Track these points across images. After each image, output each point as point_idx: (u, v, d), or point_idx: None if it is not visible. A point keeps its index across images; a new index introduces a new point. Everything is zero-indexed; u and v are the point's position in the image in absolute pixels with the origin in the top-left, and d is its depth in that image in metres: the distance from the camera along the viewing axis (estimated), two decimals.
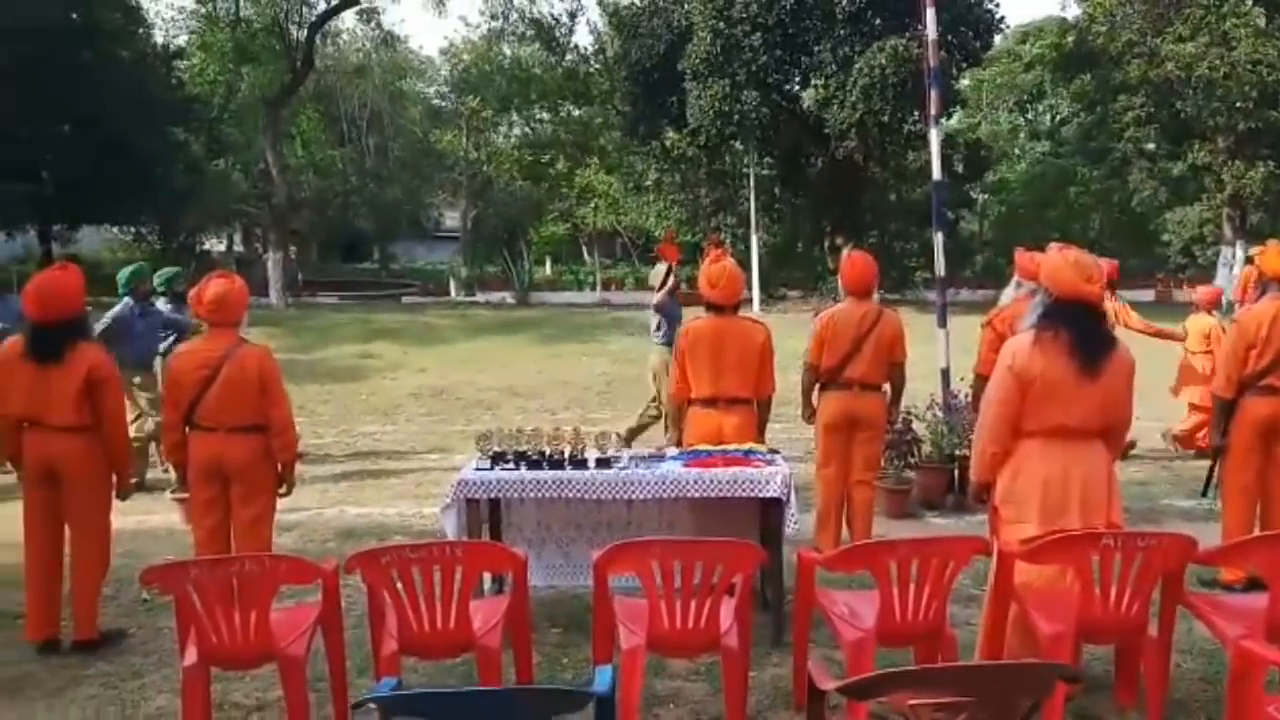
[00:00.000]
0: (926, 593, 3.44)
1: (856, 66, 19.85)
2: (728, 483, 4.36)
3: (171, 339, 7.75)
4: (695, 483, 4.37)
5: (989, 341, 5.62)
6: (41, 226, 29.17)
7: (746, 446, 4.76)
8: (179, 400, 4.61)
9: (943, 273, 7.79)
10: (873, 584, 3.49)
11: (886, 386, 5.73)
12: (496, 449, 4.67)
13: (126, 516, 4.95)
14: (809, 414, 5.83)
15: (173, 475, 6.23)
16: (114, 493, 4.79)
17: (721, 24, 20.60)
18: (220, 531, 4.67)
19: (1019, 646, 3.65)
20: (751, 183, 23.18)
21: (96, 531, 4.69)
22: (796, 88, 22.38)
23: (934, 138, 7.84)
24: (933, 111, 7.90)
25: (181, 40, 31.38)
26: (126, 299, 7.71)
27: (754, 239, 22.75)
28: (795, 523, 4.42)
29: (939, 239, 7.75)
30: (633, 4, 23.92)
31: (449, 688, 3.54)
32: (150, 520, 6.53)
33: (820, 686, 2.83)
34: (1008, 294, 5.98)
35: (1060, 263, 3.72)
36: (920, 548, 3.48)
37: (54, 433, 4.52)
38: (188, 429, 4.66)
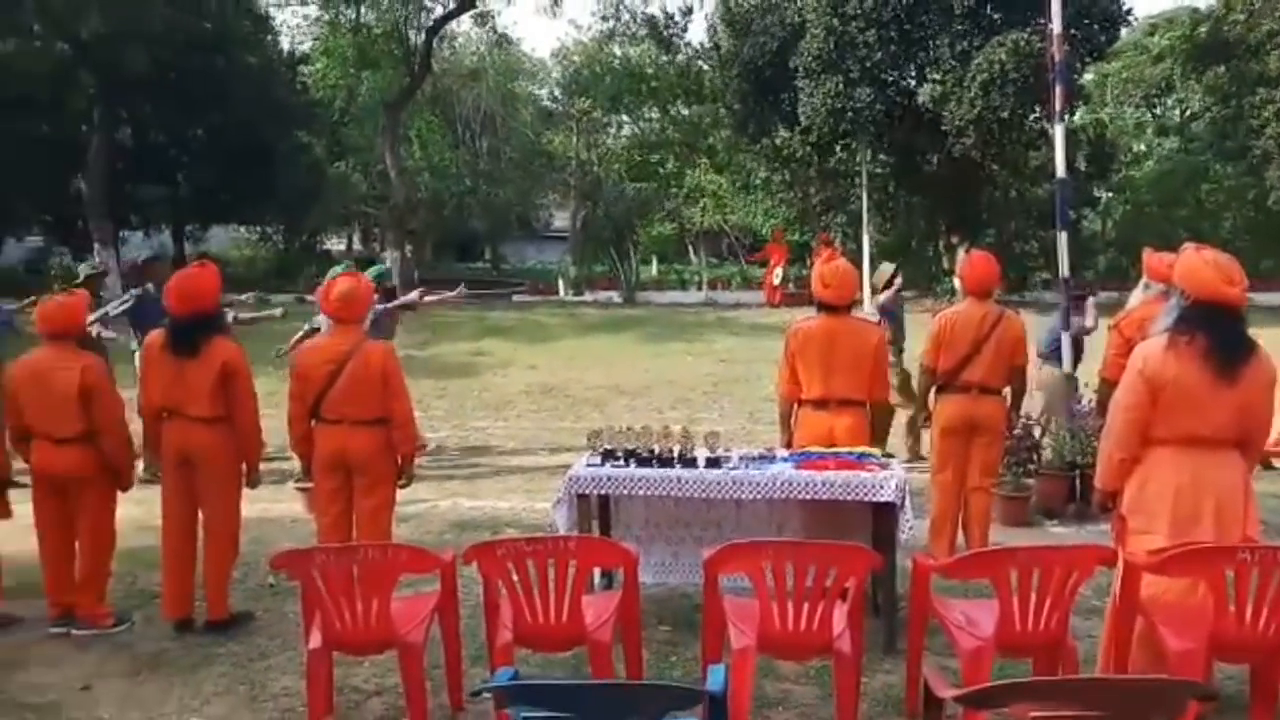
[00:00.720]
0: (1048, 603, 3.35)
1: (975, 62, 19.34)
2: (840, 486, 4.31)
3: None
4: (807, 485, 4.33)
5: (1116, 345, 5.42)
6: (175, 226, 30.67)
7: (859, 450, 4.69)
8: (305, 394, 4.79)
9: (1066, 273, 7.53)
10: (989, 592, 3.41)
11: (1006, 390, 5.58)
12: (607, 446, 4.72)
13: (252, 504, 5.16)
14: (925, 417, 5.71)
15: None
16: (244, 481, 5.01)
17: (835, 20, 20.33)
18: (343, 521, 4.84)
19: (1145, 662, 3.52)
20: (864, 180, 22.80)
21: (228, 517, 4.91)
22: (912, 84, 21.91)
23: (1058, 134, 7.59)
24: (1057, 107, 7.65)
25: (306, 46, 32.57)
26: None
27: (865, 238, 22.36)
28: (911, 528, 4.34)
29: (1062, 239, 7.50)
30: (745, 1, 23.80)
31: (565, 679, 3.59)
32: (274, 509, 6.80)
33: (939, 695, 2.77)
34: (1136, 296, 5.76)
35: (1198, 263, 3.57)
36: (1042, 556, 3.38)
37: (190, 422, 4.75)
38: (313, 422, 4.83)
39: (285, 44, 31.52)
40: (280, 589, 5.27)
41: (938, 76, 20.34)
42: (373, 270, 8.35)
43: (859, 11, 20.14)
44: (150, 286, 7.81)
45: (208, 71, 24.62)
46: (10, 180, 27.00)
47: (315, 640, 3.61)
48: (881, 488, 4.28)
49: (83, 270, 8.75)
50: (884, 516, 4.36)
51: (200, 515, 4.89)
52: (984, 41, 19.50)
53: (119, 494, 4.99)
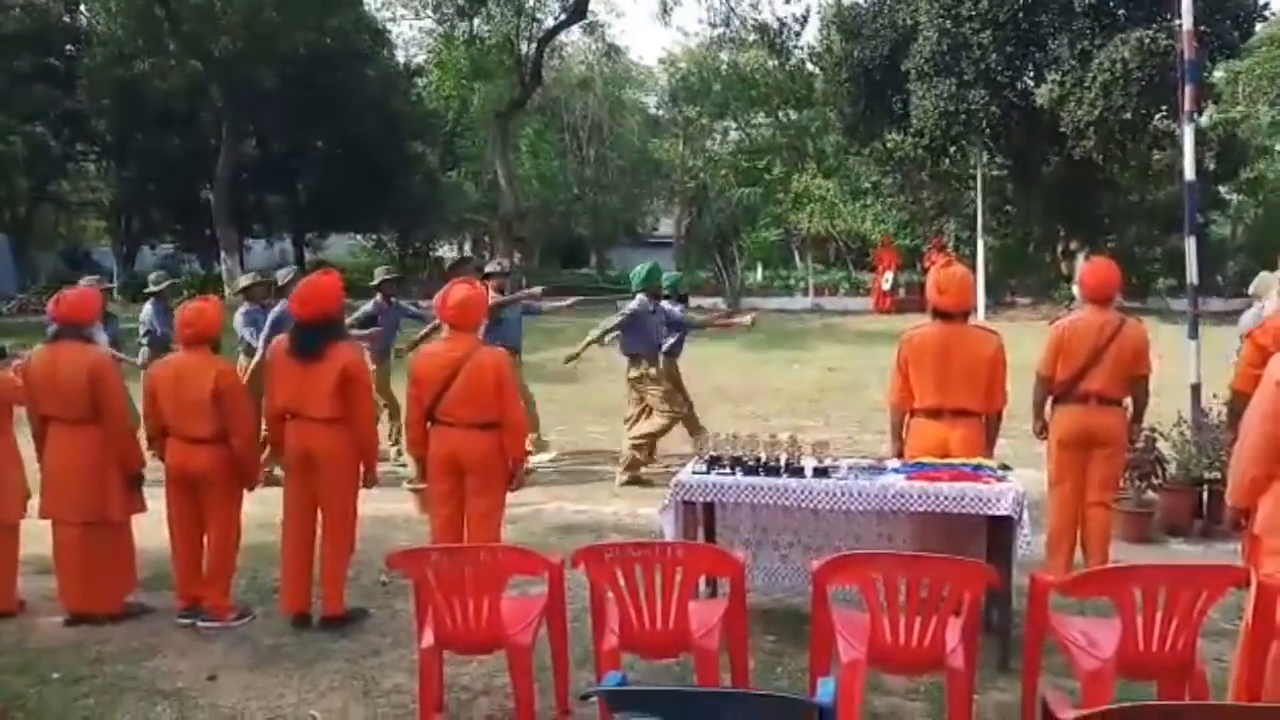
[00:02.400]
0: (1174, 624, 3.20)
1: (1096, 61, 18.70)
2: (954, 498, 4.20)
3: (673, 339, 8.26)
4: (919, 497, 4.24)
5: (1249, 356, 5.15)
6: (296, 234, 31.87)
7: (975, 461, 4.57)
8: (422, 397, 4.91)
9: (1195, 280, 7.21)
10: (1108, 611, 3.28)
11: (1128, 401, 5.36)
12: (713, 453, 4.71)
13: (365, 504, 5.30)
14: (1040, 428, 5.54)
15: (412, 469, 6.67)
16: (361, 481, 5.16)
17: (949, 22, 19.94)
18: (455, 522, 4.94)
19: None
20: (979, 184, 22.26)
21: (345, 516, 5.06)
22: (1029, 85, 21.32)
23: (1187, 135, 7.27)
24: (1186, 107, 7.32)
25: (421, 59, 33.50)
26: (641, 295, 7.98)
27: (980, 243, 21.82)
28: (1029, 543, 4.21)
29: (1191, 244, 7.18)
30: (856, 4, 23.52)
31: (672, 686, 3.60)
32: (386, 508, 6.98)
33: (1058, 716, 2.68)
34: (1271, 304, 5.47)
35: None
36: (1169, 575, 3.24)
37: (311, 424, 4.92)
38: (430, 424, 4.95)
39: (401, 57, 32.50)
40: (393, 587, 5.41)
41: (1056, 77, 19.74)
42: (668, 276, 8.50)
43: (974, 13, 19.70)
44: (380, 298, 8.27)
45: (328, 85, 25.54)
46: (147, 192, 28.54)
47: (427, 639, 3.69)
48: (998, 500, 4.17)
49: (242, 280, 9.14)
50: (1000, 530, 4.24)
51: (319, 514, 5.06)
52: (1106, 40, 18.85)
53: (245, 493, 5.21)
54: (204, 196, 26.85)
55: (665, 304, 8.17)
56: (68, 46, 27.93)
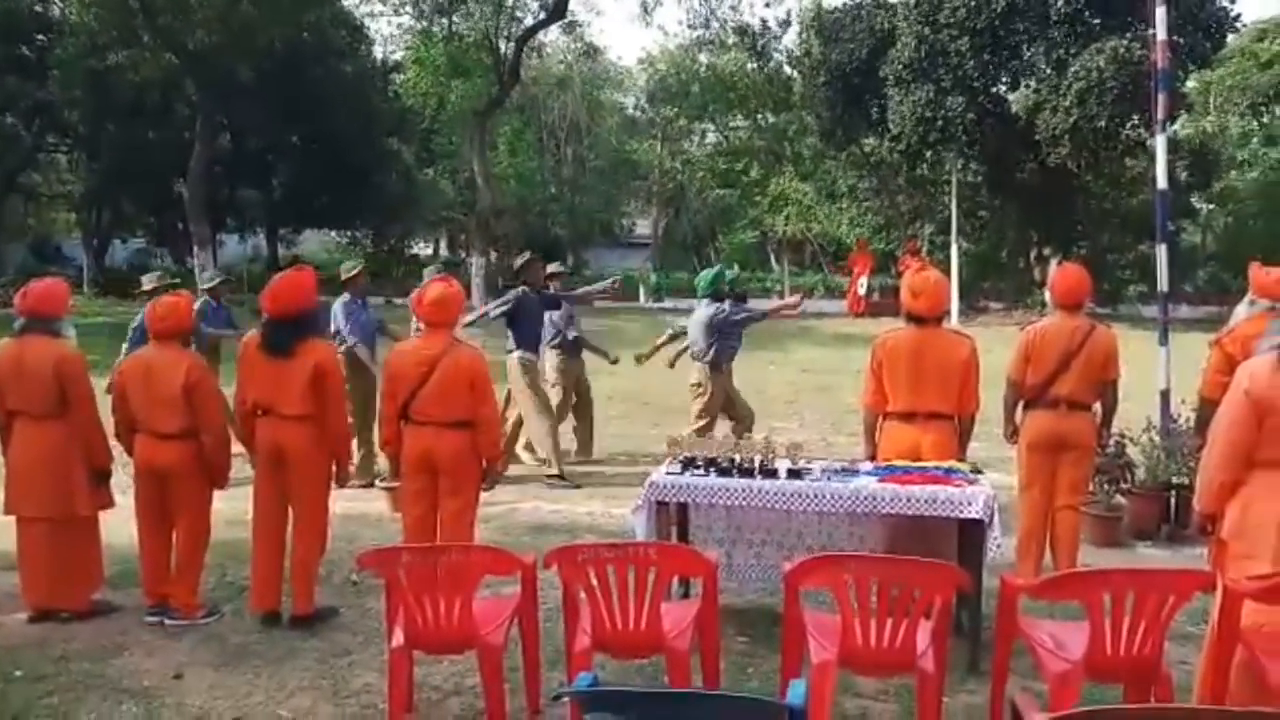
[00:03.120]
0: (1142, 627, 3.23)
1: (1072, 69, 18.90)
2: (926, 501, 4.23)
3: (717, 342, 7.83)
4: (891, 499, 4.26)
5: (1217, 363, 5.22)
6: (270, 229, 31.65)
7: (947, 464, 4.60)
8: (396, 394, 4.88)
9: (1165, 287, 7.29)
10: (1077, 614, 3.31)
11: (1097, 406, 5.41)
12: (687, 454, 4.71)
13: (336, 503, 5.27)
14: (1011, 432, 5.58)
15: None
16: (333, 479, 5.12)
17: (927, 29, 20.08)
18: (428, 521, 4.91)
19: (1244, 693, 3.37)
20: (954, 190, 22.44)
21: (316, 514, 5.01)
22: (1005, 92, 21.51)
23: (1160, 144, 7.34)
24: (1158, 116, 7.41)
25: (399, 55, 33.34)
26: (707, 299, 7.81)
27: (954, 248, 21.99)
28: (999, 546, 4.24)
29: (1162, 251, 7.26)
30: (836, 8, 23.63)
31: (644, 687, 3.59)
32: (358, 507, 6.94)
33: (1027, 718, 2.70)
34: (1240, 312, 5.53)
35: None
36: (1137, 579, 3.27)
37: (283, 420, 4.88)
38: (403, 422, 4.92)
39: (379, 53, 32.31)
40: (363, 586, 5.37)
41: (1032, 85, 19.97)
42: (713, 274, 8.12)
43: (951, 20, 19.84)
44: (526, 289, 7.96)
45: (305, 80, 25.39)
46: (119, 185, 28.25)
47: (398, 638, 3.67)
48: (969, 504, 4.19)
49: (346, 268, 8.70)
50: (971, 533, 4.27)
51: (290, 511, 5.02)
52: (1081, 49, 19.05)
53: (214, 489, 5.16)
54: (177, 190, 26.62)
55: (704, 304, 7.88)
56: (39, 36, 27.58)
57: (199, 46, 23.58)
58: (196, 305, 7.98)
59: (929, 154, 22.98)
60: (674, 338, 8.65)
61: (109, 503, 5.22)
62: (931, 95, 20.10)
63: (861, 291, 24.96)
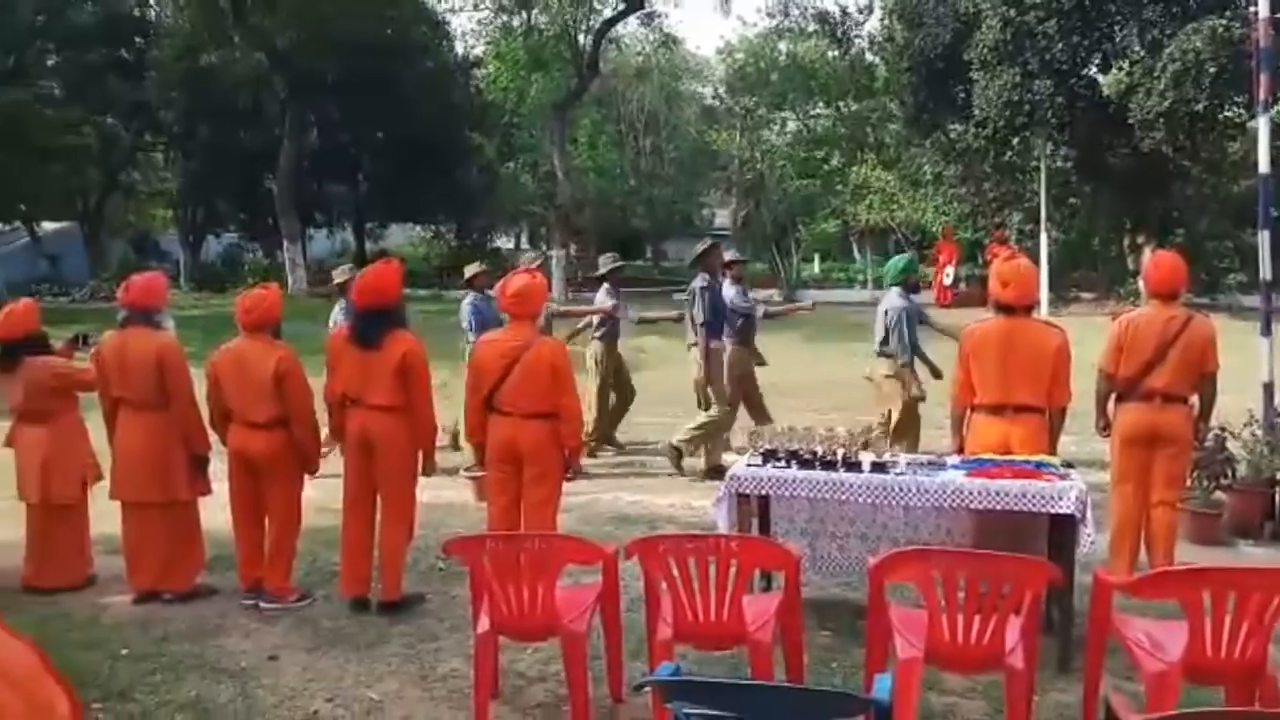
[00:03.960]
0: (1245, 628, 3.12)
1: (1167, 51, 18.20)
2: (1016, 495, 4.14)
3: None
4: (980, 494, 4.18)
5: None
6: (357, 224, 32.32)
7: (1037, 458, 4.49)
8: (480, 386, 4.95)
9: (1268, 275, 6.99)
10: (1175, 613, 3.20)
11: (1194, 399, 5.22)
12: (768, 446, 4.69)
13: (423, 491, 5.37)
14: (1103, 426, 5.42)
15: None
16: (419, 468, 5.22)
17: (1012, 10, 19.53)
18: (512, 509, 4.98)
19: None
20: (1042, 176, 21.82)
21: (404, 502, 5.12)
22: (1095, 75, 20.82)
23: (1262, 127, 7.04)
24: (1261, 97, 7.10)
25: (479, 50, 33.70)
26: (897, 289, 7.56)
27: (1043, 236, 21.40)
28: (1092, 542, 4.13)
29: (1264, 238, 6.96)
30: None
31: (727, 678, 3.59)
32: (444, 495, 7.05)
33: (1122, 718, 2.63)
34: None
35: None
36: (1240, 579, 3.15)
37: (371, 410, 4.99)
38: (488, 413, 4.99)
39: (460, 49, 32.71)
40: (449, 573, 5.46)
41: (1124, 67, 19.27)
42: (904, 262, 7.82)
43: (1037, 1, 19.26)
44: (705, 278, 7.85)
45: (388, 77, 25.81)
46: (213, 182, 29.16)
47: (483, 624, 3.72)
48: (1060, 498, 4.09)
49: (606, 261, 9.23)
50: (1062, 528, 4.17)
51: (378, 499, 5.13)
52: (1177, 29, 18.34)
53: (305, 476, 5.30)
54: (267, 186, 27.32)
55: (894, 294, 7.49)
56: (137, 39, 28.57)
57: (286, 45, 24.16)
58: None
59: (1016, 139, 22.36)
60: (814, 306, 8.57)
61: (207, 489, 5.40)
62: (1018, 79, 19.56)
63: (947, 281, 24.47)
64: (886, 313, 7.44)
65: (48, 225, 30.48)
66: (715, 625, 3.54)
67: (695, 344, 7.87)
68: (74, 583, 5.42)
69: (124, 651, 4.60)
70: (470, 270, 8.88)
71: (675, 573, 3.53)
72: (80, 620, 5.02)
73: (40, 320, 5.73)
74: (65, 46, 27.78)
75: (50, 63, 28.27)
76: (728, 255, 8.52)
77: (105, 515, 5.53)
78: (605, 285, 9.16)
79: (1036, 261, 21.31)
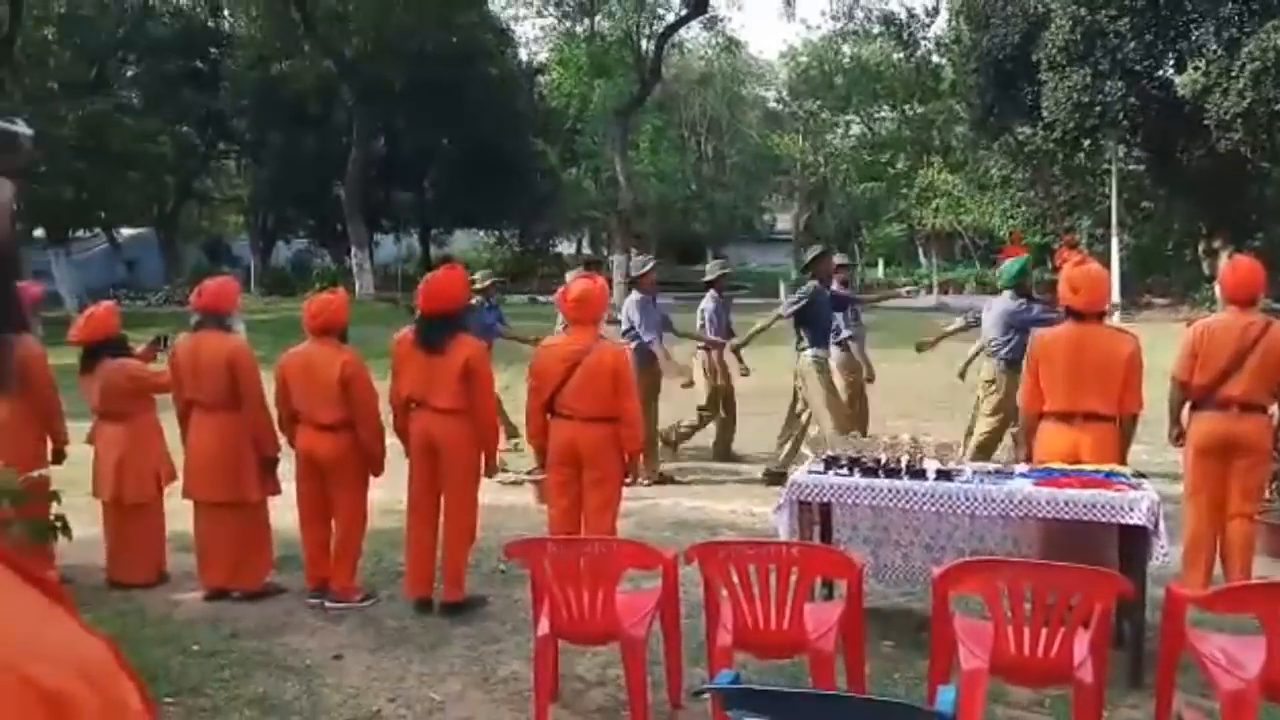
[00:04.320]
0: None
1: (1245, 49, 17.71)
2: (1085, 505, 4.04)
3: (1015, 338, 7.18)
4: (1047, 503, 4.09)
5: None
6: (422, 230, 32.81)
7: (1107, 468, 4.39)
8: (542, 389, 4.99)
9: None
10: (1254, 628, 3.10)
11: (1273, 408, 5.06)
12: (830, 453, 4.64)
13: (485, 494, 5.42)
14: (1176, 435, 5.27)
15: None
16: (482, 470, 5.27)
17: (1083, 10, 19.17)
18: (572, 513, 4.99)
19: None
20: (1114, 179, 21.36)
21: (467, 503, 5.17)
22: (1170, 75, 20.33)
23: None
24: None
25: (543, 57, 34.02)
26: (1011, 292, 7.24)
27: (1114, 240, 20.95)
28: (1165, 555, 4.02)
29: None
30: None
31: (788, 687, 3.56)
32: (506, 498, 7.11)
33: None
34: None
35: None
36: None
37: (436, 413, 5.05)
38: (549, 416, 5.03)
39: (524, 55, 33.05)
40: (510, 575, 5.50)
41: (1200, 66, 18.76)
42: (1019, 265, 7.35)
43: None
44: (817, 284, 7.56)
45: (453, 84, 26.19)
46: (283, 189, 29.85)
47: (543, 627, 3.74)
48: (1131, 509, 3.99)
49: (713, 269, 9.15)
50: (1133, 540, 4.06)
51: (442, 501, 5.19)
52: (1256, 27, 17.85)
53: (370, 478, 5.38)
54: (335, 193, 27.88)
55: (1007, 296, 7.18)
56: (212, 50, 29.37)
57: (355, 54, 24.64)
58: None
59: (1086, 142, 21.93)
60: (967, 327, 7.95)
61: (276, 490, 5.51)
62: (1089, 79, 19.18)
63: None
64: (998, 315, 7.12)
65: (126, 231, 31.43)
66: (775, 633, 3.51)
67: (806, 349, 7.51)
68: (148, 579, 5.57)
69: (195, 647, 4.71)
70: (638, 266, 8.72)
71: (735, 579, 3.51)
72: (154, 616, 5.16)
73: (119, 323, 5.90)
74: (144, 58, 28.69)
75: (129, 74, 29.21)
76: (837, 259, 8.37)
77: (179, 514, 5.67)
78: (711, 291, 8.96)
79: (1108, 267, 20.86)
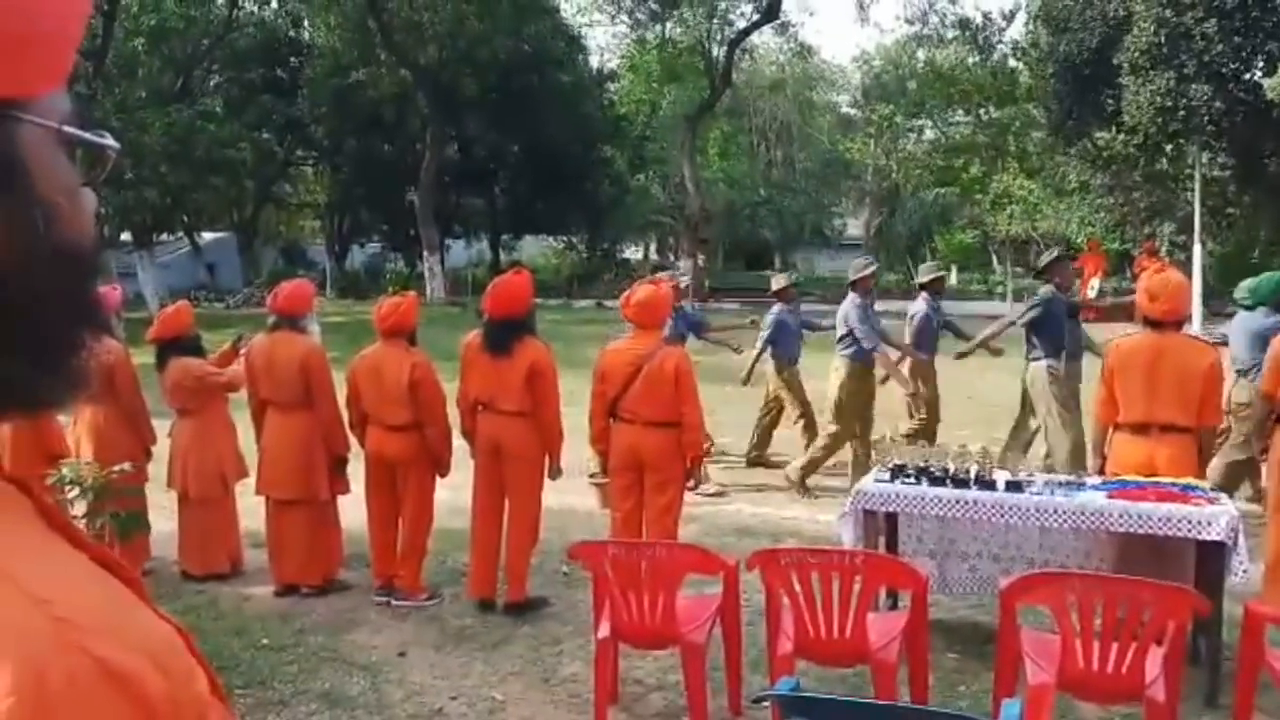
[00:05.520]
0: None
1: None
2: (1160, 519, 3.93)
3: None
4: (1120, 516, 3.99)
5: None
6: (493, 236, 33.20)
7: (1184, 481, 4.26)
8: (605, 393, 5.01)
9: None
10: None
11: None
12: (897, 462, 4.58)
13: (550, 496, 5.45)
14: (1261, 450, 5.09)
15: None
16: (546, 472, 5.31)
17: (1168, 11, 18.62)
18: (634, 517, 5.01)
19: None
20: (1197, 185, 20.72)
21: (530, 505, 5.22)
22: (1258, 78, 19.65)
23: None
24: None
25: (614, 64, 34.19)
26: (1265, 309, 6.78)
27: (1197, 248, 20.32)
28: (1245, 572, 3.89)
29: None
30: None
31: (848, 696, 3.53)
32: (569, 501, 7.14)
33: None
34: None
35: None
36: None
37: (501, 415, 5.11)
38: (612, 420, 5.05)
39: (595, 62, 33.25)
40: (574, 578, 5.53)
41: None
42: (1276, 280, 6.94)
43: (1196, 1, 18.31)
44: (1054, 291, 7.13)
45: (525, 91, 26.46)
46: (358, 195, 30.47)
47: (604, 630, 3.76)
48: (1209, 524, 3.87)
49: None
50: (1211, 556, 3.93)
51: (506, 502, 5.24)
52: None
53: (437, 479, 5.46)
54: (409, 199, 28.35)
55: (1262, 313, 6.68)
56: (292, 59, 30.10)
57: (429, 62, 25.04)
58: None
59: (1169, 146, 21.31)
60: (1004, 330, 7.57)
61: (346, 489, 5.62)
62: (1172, 83, 18.62)
63: (1092, 294, 23.47)
64: (1248, 333, 6.64)
65: (207, 235, 32.35)
66: (837, 642, 3.48)
67: (1039, 359, 7.07)
68: (215, 571, 5.71)
69: (264, 641, 4.82)
70: (856, 269, 8.03)
71: (797, 587, 3.49)
72: (226, 609, 5.29)
73: (193, 324, 6.07)
74: (227, 68, 29.52)
75: (213, 83, 30.07)
76: (1045, 256, 7.70)
77: (254, 510, 5.81)
78: (924, 294, 8.47)
79: (1189, 275, 20.24)
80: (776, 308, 8.69)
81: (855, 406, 7.68)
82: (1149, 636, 3.06)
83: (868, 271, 7.83)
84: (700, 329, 8.50)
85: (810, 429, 8.29)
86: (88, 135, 0.64)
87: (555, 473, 5.35)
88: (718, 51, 29.06)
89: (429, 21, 24.46)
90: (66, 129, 0.61)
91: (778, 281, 8.94)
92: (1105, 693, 3.22)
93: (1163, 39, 18.70)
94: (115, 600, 0.59)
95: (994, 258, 34.35)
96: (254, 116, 28.05)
